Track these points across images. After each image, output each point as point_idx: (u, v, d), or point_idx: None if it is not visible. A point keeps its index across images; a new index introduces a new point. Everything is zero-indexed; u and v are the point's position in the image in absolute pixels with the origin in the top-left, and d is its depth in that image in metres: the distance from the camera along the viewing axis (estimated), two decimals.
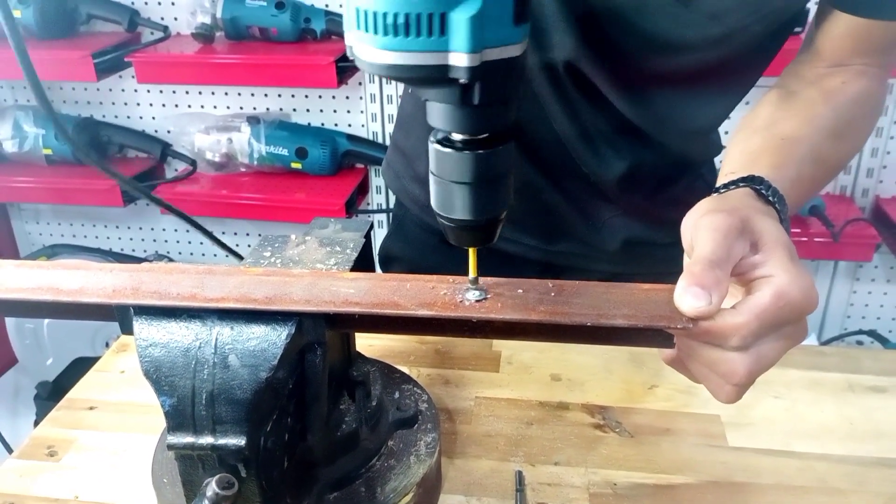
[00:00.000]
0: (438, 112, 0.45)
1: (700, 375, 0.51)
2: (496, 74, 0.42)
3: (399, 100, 1.92)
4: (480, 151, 0.46)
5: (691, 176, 0.90)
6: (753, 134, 0.69)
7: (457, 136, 0.46)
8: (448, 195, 0.48)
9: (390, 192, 2.04)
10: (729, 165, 0.64)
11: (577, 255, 0.90)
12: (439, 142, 0.47)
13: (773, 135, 0.68)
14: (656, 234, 0.89)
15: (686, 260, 0.52)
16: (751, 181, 0.58)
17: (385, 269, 1.03)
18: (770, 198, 0.57)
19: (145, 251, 2.30)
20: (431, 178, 0.49)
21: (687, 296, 0.45)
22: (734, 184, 0.59)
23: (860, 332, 1.85)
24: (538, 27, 0.72)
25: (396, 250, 1.01)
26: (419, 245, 0.97)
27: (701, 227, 0.49)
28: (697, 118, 0.81)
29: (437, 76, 0.41)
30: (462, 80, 0.41)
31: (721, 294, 0.45)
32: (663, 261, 0.88)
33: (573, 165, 0.82)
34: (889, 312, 1.97)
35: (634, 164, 0.82)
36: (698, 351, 0.48)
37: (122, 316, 0.51)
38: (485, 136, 0.46)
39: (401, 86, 1.91)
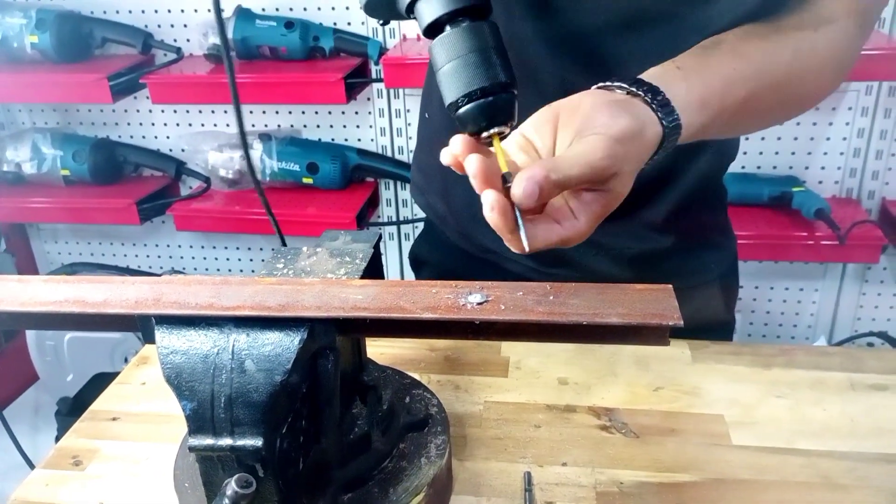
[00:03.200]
0: (420, 13, 0.54)
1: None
2: None
3: (407, 115, 1.97)
4: (464, 25, 0.53)
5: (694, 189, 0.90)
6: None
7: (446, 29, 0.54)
8: (454, 75, 0.53)
9: (400, 205, 2.08)
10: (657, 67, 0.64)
11: (574, 278, 0.93)
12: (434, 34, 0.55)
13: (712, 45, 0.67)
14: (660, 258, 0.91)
15: (544, 138, 0.56)
16: (654, 94, 0.58)
17: (415, 271, 1.09)
18: (662, 119, 0.58)
19: (161, 267, 2.34)
20: (438, 76, 0.54)
21: (532, 187, 0.49)
22: (637, 85, 0.59)
23: (870, 333, 1.85)
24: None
25: (424, 254, 1.07)
26: (444, 250, 1.01)
27: (585, 147, 0.52)
28: None
29: None
30: None
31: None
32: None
33: None
34: None
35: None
36: None
37: (144, 325, 0.54)
38: (459, 14, 0.54)
39: (407, 100, 1.95)
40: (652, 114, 0.57)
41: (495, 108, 0.53)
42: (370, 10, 0.59)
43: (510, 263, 0.93)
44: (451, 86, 0.53)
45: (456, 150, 0.53)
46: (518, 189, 0.49)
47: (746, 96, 0.65)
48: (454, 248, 0.98)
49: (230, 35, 1.84)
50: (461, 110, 0.53)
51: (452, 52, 0.53)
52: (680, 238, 0.90)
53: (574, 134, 0.55)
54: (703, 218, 0.93)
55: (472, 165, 0.51)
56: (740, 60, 0.65)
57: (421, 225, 2.06)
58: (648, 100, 0.58)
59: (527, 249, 0.51)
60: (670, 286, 0.50)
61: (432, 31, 0.55)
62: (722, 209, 0.97)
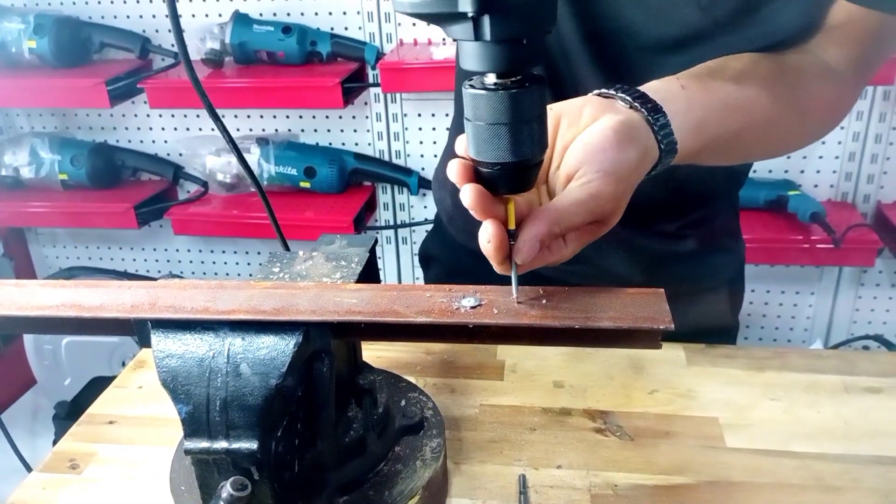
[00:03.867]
0: (462, 52, 0.48)
1: None
2: (506, 9, 0.44)
3: (404, 119, 1.98)
4: (507, 91, 0.48)
5: (714, 200, 0.91)
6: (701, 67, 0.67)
7: (488, 78, 0.49)
8: (483, 139, 0.50)
9: (397, 209, 2.09)
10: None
11: (588, 276, 0.91)
12: (471, 84, 0.50)
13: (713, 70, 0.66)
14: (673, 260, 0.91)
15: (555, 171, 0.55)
16: (656, 114, 0.57)
17: (424, 268, 1.09)
18: (660, 143, 0.57)
19: (159, 271, 2.35)
20: (466, 124, 0.51)
21: (535, 247, 0.50)
22: (640, 101, 0.58)
23: (866, 336, 1.86)
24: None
25: (434, 250, 1.07)
26: (453, 248, 1.01)
27: (590, 191, 0.52)
28: None
29: (447, 10, 0.45)
30: (470, 14, 0.44)
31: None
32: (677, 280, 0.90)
33: None
34: (895, 317, 1.98)
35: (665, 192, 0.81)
36: None
37: (140, 330, 0.54)
38: (508, 73, 0.48)
39: (404, 104, 1.96)
40: (652, 138, 0.56)
41: (516, 180, 0.51)
42: (415, 16, 0.53)
43: None
44: (478, 147, 0.51)
45: (454, 176, 0.53)
46: (519, 258, 0.50)
47: (740, 127, 0.65)
48: (462, 245, 0.98)
49: (227, 40, 1.85)
50: (484, 171, 0.52)
51: (485, 114, 0.49)
52: (695, 242, 0.90)
53: (573, 138, 0.55)
54: (718, 224, 0.94)
55: (468, 197, 0.51)
56: (740, 91, 0.65)
57: (418, 229, 2.08)
58: (651, 120, 0.57)
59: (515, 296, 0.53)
60: (662, 290, 0.51)
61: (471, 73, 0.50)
62: (735, 214, 0.98)
